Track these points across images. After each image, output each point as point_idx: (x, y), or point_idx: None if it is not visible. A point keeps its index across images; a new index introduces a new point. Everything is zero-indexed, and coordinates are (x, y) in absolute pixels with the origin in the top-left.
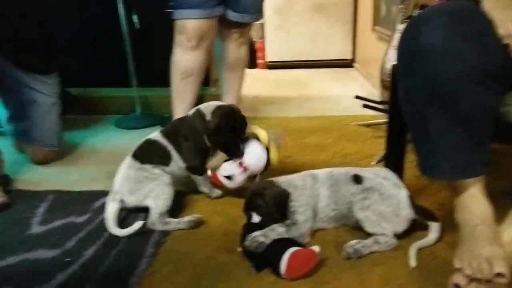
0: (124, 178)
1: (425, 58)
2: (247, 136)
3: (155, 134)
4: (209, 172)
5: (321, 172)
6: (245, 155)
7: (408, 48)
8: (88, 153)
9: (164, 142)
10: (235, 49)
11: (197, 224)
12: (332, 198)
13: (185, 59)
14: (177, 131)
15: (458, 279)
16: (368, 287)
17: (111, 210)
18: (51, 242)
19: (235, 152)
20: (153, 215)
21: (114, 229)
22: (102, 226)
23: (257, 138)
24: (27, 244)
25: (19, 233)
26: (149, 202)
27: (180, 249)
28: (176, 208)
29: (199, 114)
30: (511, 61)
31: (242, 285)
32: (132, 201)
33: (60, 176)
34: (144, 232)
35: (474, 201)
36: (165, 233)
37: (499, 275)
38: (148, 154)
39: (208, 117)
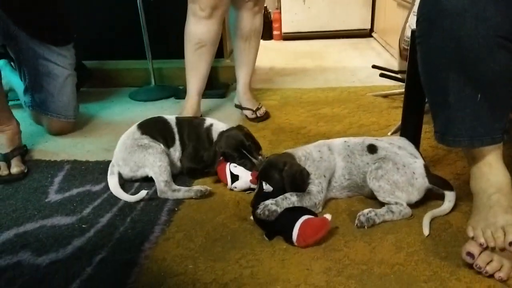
0: (120, 148)
1: (448, 20)
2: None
3: (171, 117)
4: None
5: (336, 143)
6: None
7: (430, 10)
8: (103, 125)
9: (175, 128)
10: (249, 19)
11: (206, 194)
12: (346, 169)
13: (198, 29)
14: (189, 129)
15: (471, 247)
16: (379, 255)
17: (111, 184)
18: (68, 209)
19: (246, 164)
20: (160, 184)
21: (126, 197)
22: None
23: None
24: (45, 211)
25: (37, 201)
26: (147, 172)
27: (194, 217)
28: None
29: (208, 133)
30: None
31: (254, 252)
32: (127, 172)
33: (76, 147)
34: (158, 201)
35: (491, 170)
36: (178, 202)
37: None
38: (153, 129)
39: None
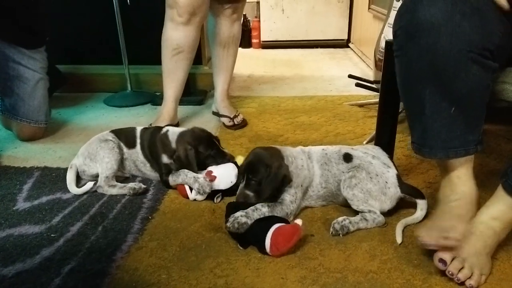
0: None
1: (424, 34)
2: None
3: (139, 127)
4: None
5: (315, 150)
6: (216, 168)
7: (407, 23)
8: (77, 130)
9: (138, 133)
10: (227, 26)
11: (140, 192)
12: (323, 177)
13: (176, 34)
14: (149, 138)
15: (444, 254)
16: (354, 263)
17: (67, 176)
18: (37, 218)
19: (217, 158)
20: (100, 179)
21: (72, 189)
22: (88, 203)
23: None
24: (12, 220)
25: (4, 209)
26: (97, 169)
27: (168, 225)
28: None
29: (165, 137)
30: (508, 36)
31: (229, 260)
32: (80, 163)
33: (48, 153)
34: (131, 209)
35: (460, 181)
36: (152, 210)
37: (447, 237)
38: (121, 130)
39: (173, 145)
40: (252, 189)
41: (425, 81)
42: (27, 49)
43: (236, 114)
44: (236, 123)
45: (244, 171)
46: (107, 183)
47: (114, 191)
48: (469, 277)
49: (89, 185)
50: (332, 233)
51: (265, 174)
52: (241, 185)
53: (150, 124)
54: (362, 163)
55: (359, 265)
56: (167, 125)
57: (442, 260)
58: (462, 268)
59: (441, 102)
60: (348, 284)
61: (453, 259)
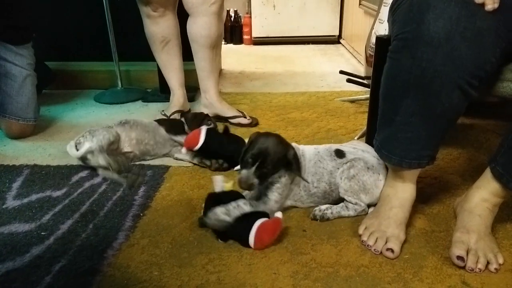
0: None
1: (422, 48)
2: None
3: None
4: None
5: (307, 149)
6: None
7: (410, 31)
8: (67, 128)
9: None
10: (212, 25)
11: (138, 181)
12: (317, 175)
13: (158, 28)
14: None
15: (459, 251)
16: (345, 257)
17: (69, 143)
18: (27, 216)
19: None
20: (94, 144)
21: (72, 151)
22: (79, 200)
23: None
24: (2, 218)
25: None
26: (93, 140)
27: (160, 222)
28: (159, 179)
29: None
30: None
31: (221, 256)
32: (80, 140)
33: (37, 151)
34: (122, 206)
35: (403, 187)
36: (143, 207)
37: (389, 249)
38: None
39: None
40: (259, 176)
41: (406, 92)
42: (14, 45)
43: (241, 112)
44: (251, 119)
45: (256, 158)
46: (99, 151)
47: (101, 160)
48: (487, 263)
49: (86, 146)
50: (311, 217)
51: (282, 163)
52: (247, 171)
53: (163, 111)
54: (357, 155)
55: (351, 259)
56: (177, 111)
57: (460, 257)
58: (478, 258)
59: (412, 116)
60: (340, 278)
61: (467, 252)
